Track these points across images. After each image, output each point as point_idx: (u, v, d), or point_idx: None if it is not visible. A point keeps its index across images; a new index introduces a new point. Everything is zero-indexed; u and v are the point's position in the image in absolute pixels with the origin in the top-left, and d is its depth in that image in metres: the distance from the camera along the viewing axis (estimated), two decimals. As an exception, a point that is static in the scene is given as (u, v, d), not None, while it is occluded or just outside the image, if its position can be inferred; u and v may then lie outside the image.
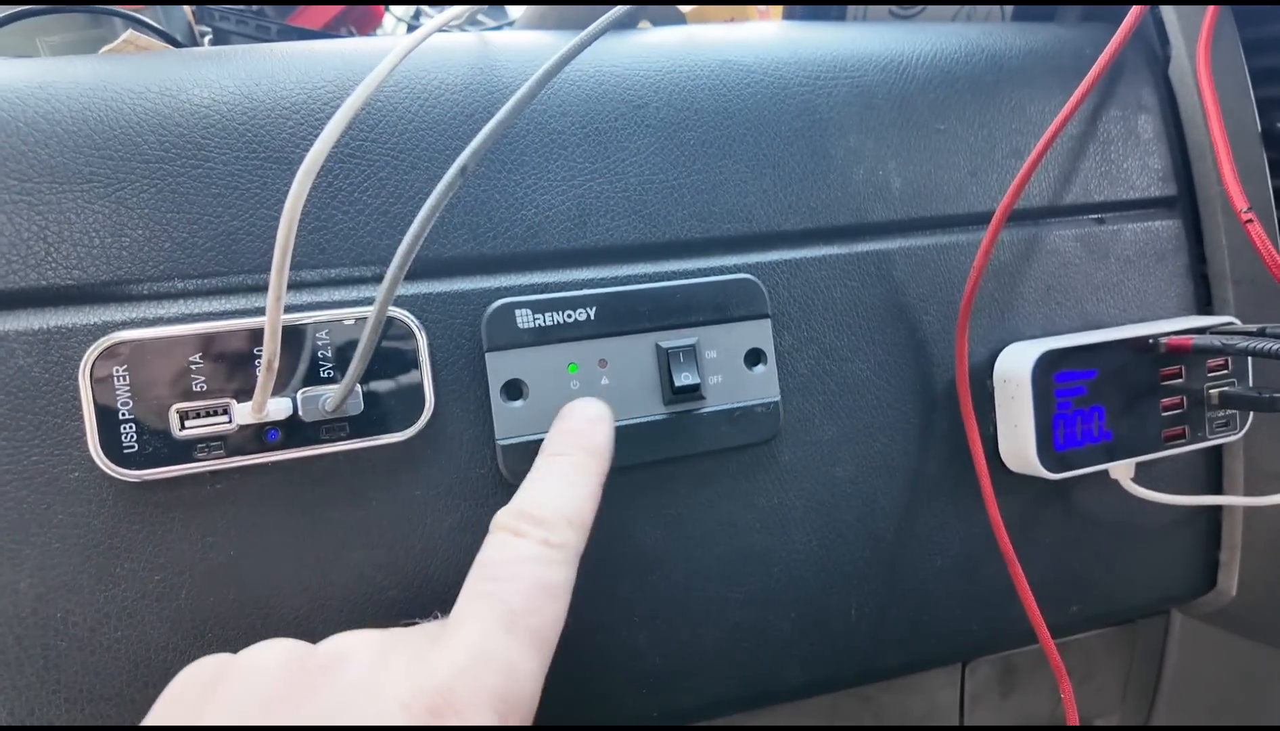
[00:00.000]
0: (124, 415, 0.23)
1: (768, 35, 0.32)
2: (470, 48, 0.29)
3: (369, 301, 0.26)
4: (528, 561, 0.20)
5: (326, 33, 0.57)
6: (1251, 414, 0.33)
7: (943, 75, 0.33)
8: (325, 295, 0.26)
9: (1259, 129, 0.33)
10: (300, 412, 0.24)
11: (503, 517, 0.22)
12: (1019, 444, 0.30)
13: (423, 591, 0.26)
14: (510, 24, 0.64)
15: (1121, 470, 0.32)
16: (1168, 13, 0.35)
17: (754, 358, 0.29)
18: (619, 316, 0.27)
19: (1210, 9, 0.31)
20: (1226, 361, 0.32)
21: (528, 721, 0.20)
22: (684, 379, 0.27)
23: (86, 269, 0.24)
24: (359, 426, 0.25)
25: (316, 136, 0.21)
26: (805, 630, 0.30)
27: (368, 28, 0.64)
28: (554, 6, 0.36)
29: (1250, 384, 0.33)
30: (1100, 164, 0.34)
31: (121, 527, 0.23)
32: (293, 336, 0.24)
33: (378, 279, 0.26)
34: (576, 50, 0.25)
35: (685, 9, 0.52)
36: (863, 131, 0.31)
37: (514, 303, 0.26)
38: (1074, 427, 0.30)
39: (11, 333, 0.23)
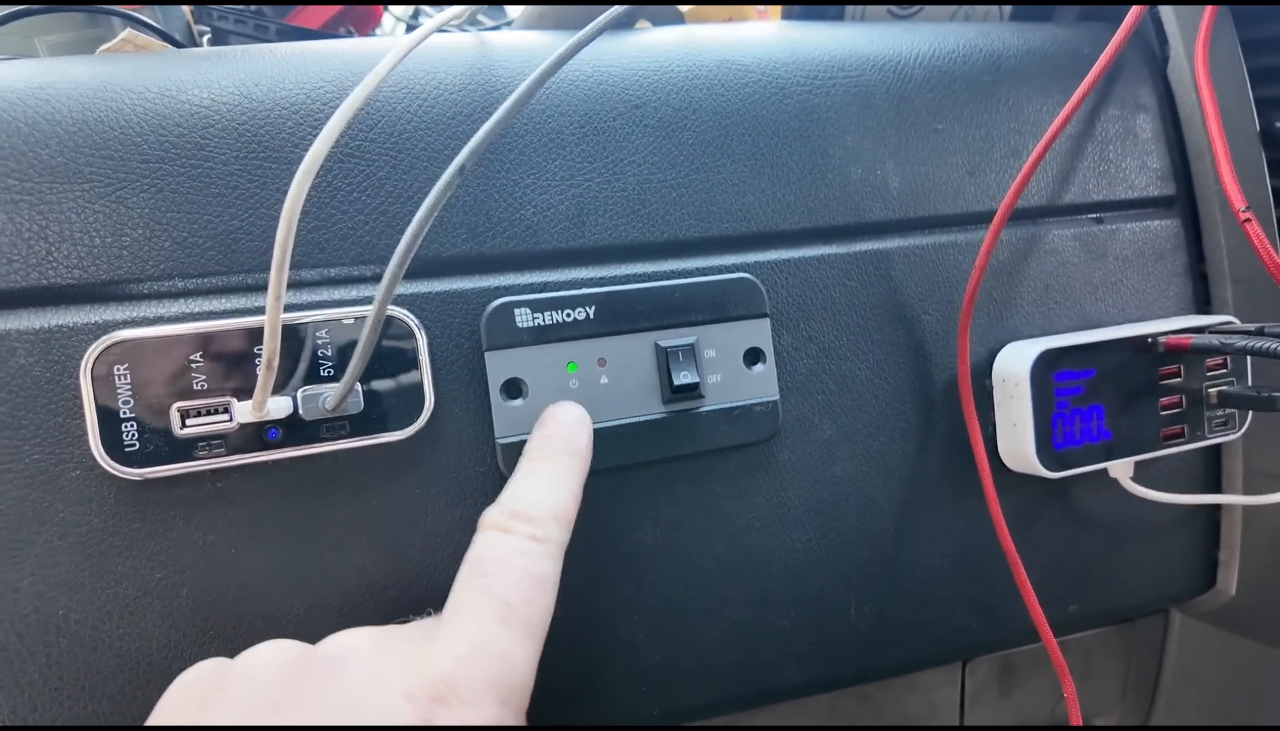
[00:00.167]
0: (125, 413, 0.23)
1: (766, 35, 0.32)
2: (468, 48, 0.29)
3: (368, 300, 0.26)
4: (517, 556, 0.21)
5: (325, 33, 0.57)
6: (1250, 413, 0.33)
7: (941, 75, 0.33)
8: (325, 294, 0.26)
9: (1257, 128, 0.33)
10: (300, 411, 0.24)
11: (491, 516, 0.23)
12: (1018, 443, 0.31)
13: (423, 590, 0.26)
14: (509, 24, 0.64)
15: (1120, 469, 0.32)
16: (1166, 12, 0.35)
17: (753, 357, 0.29)
18: (618, 315, 0.27)
19: (1208, 9, 0.31)
20: (1225, 361, 0.32)
21: (524, 706, 0.20)
22: (683, 378, 0.27)
23: (87, 268, 0.24)
24: (359, 425, 0.25)
25: (316, 136, 0.21)
26: (804, 629, 0.30)
27: (366, 27, 0.64)
28: (552, 7, 0.36)
29: (1249, 383, 0.33)
30: (1099, 163, 0.34)
31: (122, 526, 0.24)
32: (292, 335, 0.24)
33: (377, 278, 0.26)
34: (575, 49, 0.25)
35: (684, 9, 0.52)
36: (861, 131, 0.31)
37: (513, 302, 0.26)
38: (1073, 426, 0.30)
39: (12, 332, 0.23)
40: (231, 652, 0.22)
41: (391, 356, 0.25)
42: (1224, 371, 0.32)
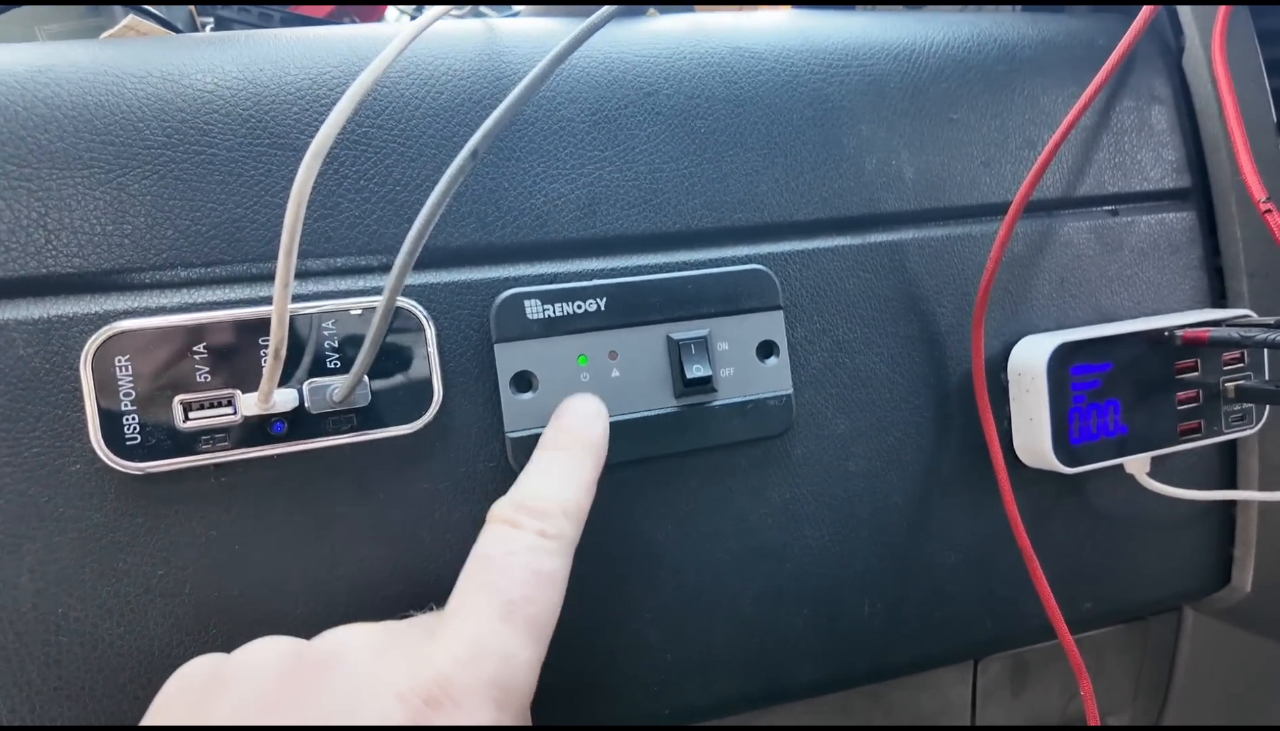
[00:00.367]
0: (126, 406, 0.22)
1: (779, 22, 0.32)
2: (476, 33, 0.28)
3: (375, 291, 0.25)
4: (524, 551, 0.21)
5: (330, 20, 0.57)
6: (1268, 408, 0.32)
7: (955, 64, 0.32)
8: (330, 285, 0.25)
9: (1274, 120, 0.33)
10: (307, 404, 0.23)
11: (500, 509, 0.22)
12: (1034, 438, 0.30)
13: (430, 585, 0.26)
14: (515, 13, 0.63)
15: (1137, 464, 0.31)
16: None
17: (766, 350, 0.28)
18: (629, 307, 0.27)
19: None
20: (1242, 355, 0.32)
21: (525, 709, 0.20)
22: (696, 371, 0.27)
23: (87, 257, 0.23)
24: (366, 418, 0.24)
25: (321, 122, 0.20)
26: (817, 626, 0.30)
27: (370, 19, 0.64)
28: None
29: (1266, 377, 0.32)
30: (1114, 155, 0.34)
31: (124, 521, 0.23)
32: (298, 326, 0.24)
33: (383, 268, 0.26)
34: (589, 32, 0.24)
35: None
36: (875, 121, 0.31)
37: (523, 293, 0.26)
38: (1089, 421, 0.30)
39: (11, 322, 0.22)
40: (234, 649, 0.22)
41: (399, 348, 0.25)
42: (1241, 366, 0.32)
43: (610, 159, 0.28)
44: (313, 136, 0.20)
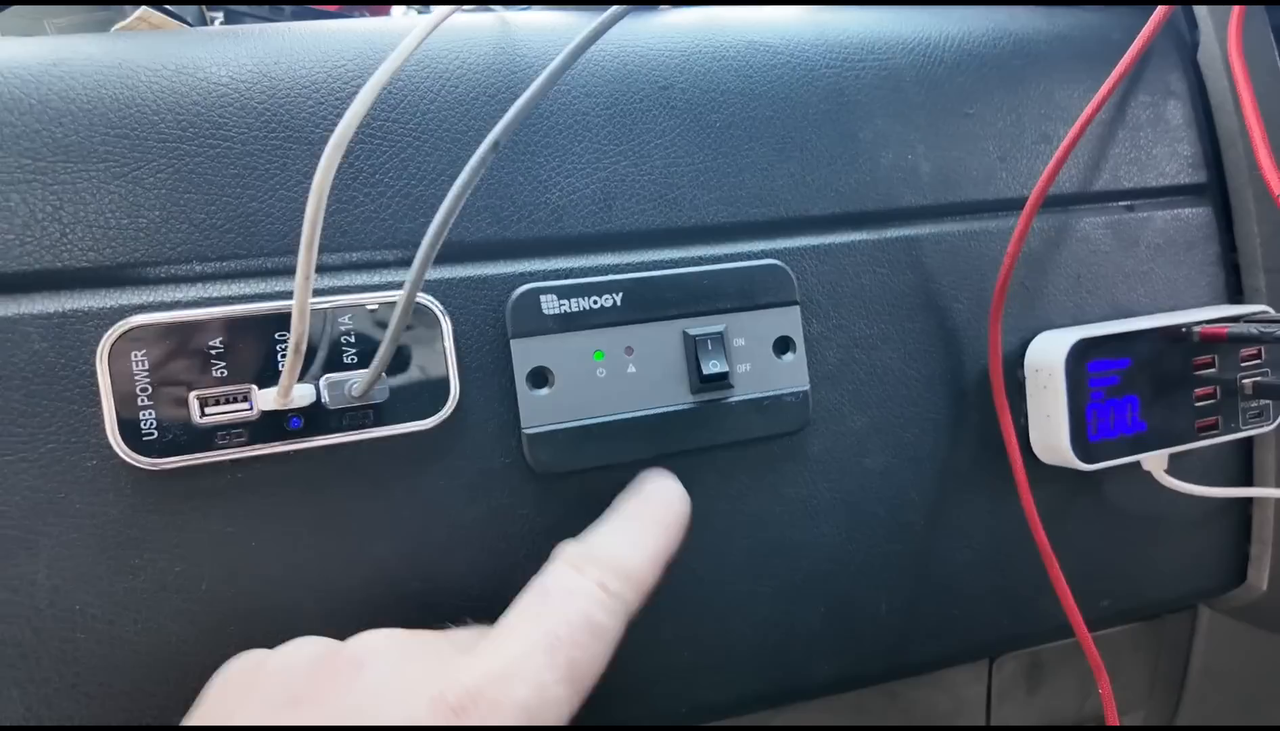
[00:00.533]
0: (143, 401, 0.22)
1: (793, 16, 0.32)
2: (490, 27, 0.28)
3: (390, 286, 0.25)
4: (582, 597, 0.21)
5: (342, 13, 0.56)
6: (1285, 404, 0.32)
7: (971, 59, 0.32)
8: (347, 279, 0.25)
9: (1291, 114, 0.32)
10: (325, 399, 0.23)
11: (567, 550, 0.22)
12: (1051, 434, 0.30)
13: (445, 584, 0.25)
14: (528, 7, 0.63)
15: (1155, 461, 0.31)
16: (1197, -4, 0.34)
17: (782, 346, 0.28)
18: (646, 302, 0.27)
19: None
20: (1260, 351, 0.32)
21: None
22: (712, 367, 0.27)
23: (102, 251, 0.23)
24: (383, 414, 0.24)
25: (338, 115, 0.20)
26: (834, 624, 0.30)
27: (379, 13, 0.63)
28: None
29: (1284, 373, 0.32)
30: (1129, 150, 0.33)
31: (140, 517, 0.23)
32: (314, 321, 0.23)
33: (399, 263, 0.25)
34: (609, 23, 0.24)
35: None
36: (891, 115, 0.31)
37: (539, 288, 0.26)
38: (1107, 418, 0.30)
39: (26, 316, 0.22)
40: (250, 647, 0.22)
41: (416, 343, 0.24)
42: (1258, 362, 0.32)
43: (625, 153, 0.28)
44: (328, 130, 0.20)
